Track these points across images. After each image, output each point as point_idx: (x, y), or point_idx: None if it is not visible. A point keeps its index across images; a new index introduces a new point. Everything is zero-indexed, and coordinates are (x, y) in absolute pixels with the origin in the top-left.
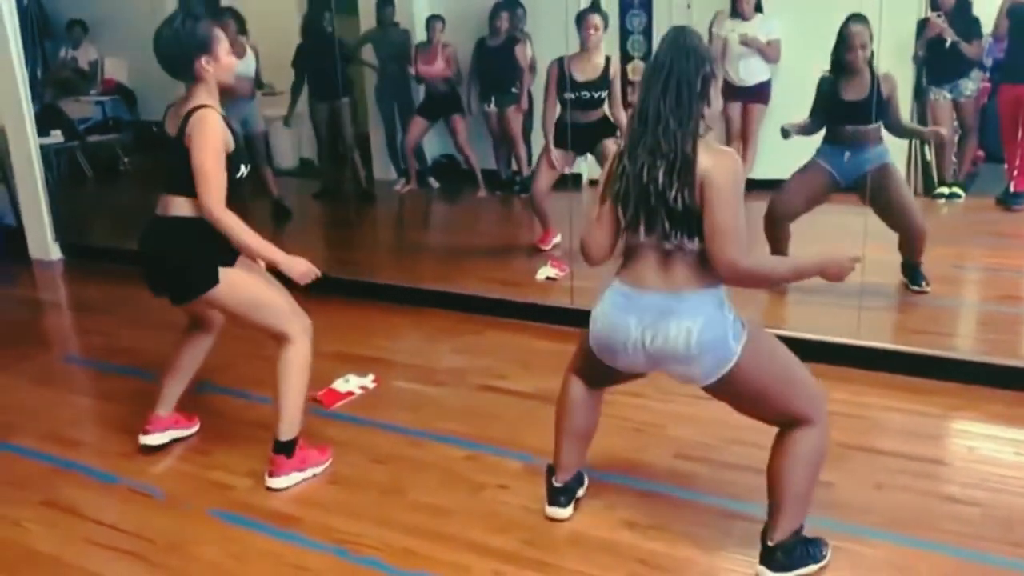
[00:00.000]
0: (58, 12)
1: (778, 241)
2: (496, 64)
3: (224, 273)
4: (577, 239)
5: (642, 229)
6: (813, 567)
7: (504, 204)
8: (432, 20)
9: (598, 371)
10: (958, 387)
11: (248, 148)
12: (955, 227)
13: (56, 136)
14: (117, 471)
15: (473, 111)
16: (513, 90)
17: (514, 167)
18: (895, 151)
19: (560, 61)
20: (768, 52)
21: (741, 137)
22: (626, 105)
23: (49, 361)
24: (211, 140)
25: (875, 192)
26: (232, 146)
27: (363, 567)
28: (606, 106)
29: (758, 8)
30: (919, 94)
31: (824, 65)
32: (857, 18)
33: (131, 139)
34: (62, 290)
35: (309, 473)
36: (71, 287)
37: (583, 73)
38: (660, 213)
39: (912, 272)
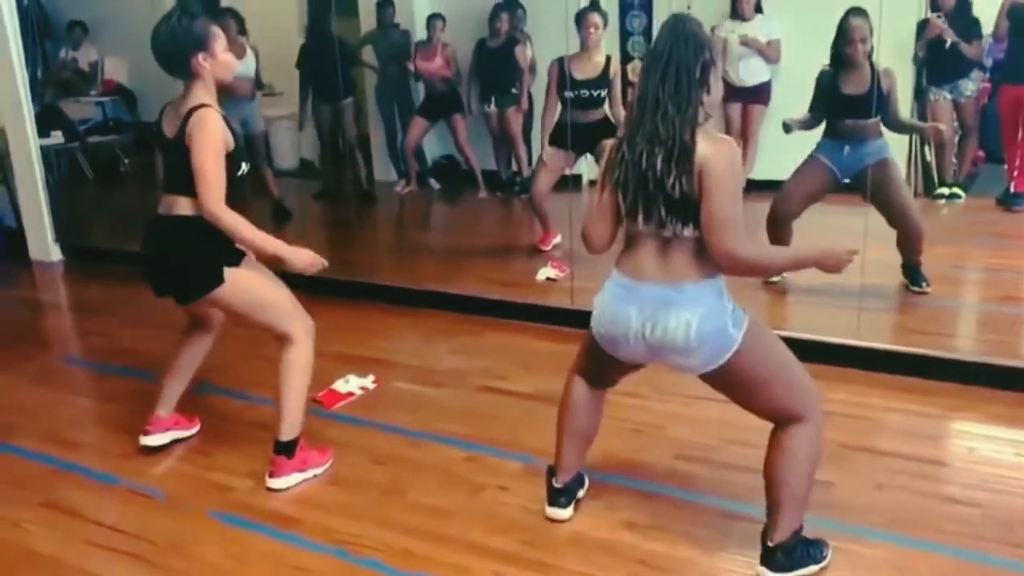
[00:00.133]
0: (58, 13)
1: (780, 241)
2: (496, 65)
3: (229, 272)
4: (577, 240)
5: (640, 217)
6: (814, 567)
7: (504, 205)
8: (432, 19)
9: (600, 364)
10: (958, 388)
11: (248, 149)
12: (955, 227)
13: (56, 137)
14: (117, 472)
15: (473, 112)
16: (513, 91)
17: (514, 168)
18: (895, 151)
19: (560, 60)
20: (768, 52)
21: (741, 137)
22: (626, 105)
23: (49, 362)
24: (211, 139)
25: (875, 188)
26: (232, 145)
27: (363, 568)
28: (607, 106)
29: (758, 9)
30: (919, 94)
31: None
32: (857, 12)
33: (131, 140)
34: (62, 291)
35: (310, 474)
36: (71, 288)
37: (583, 72)
38: (658, 200)
39: (912, 273)
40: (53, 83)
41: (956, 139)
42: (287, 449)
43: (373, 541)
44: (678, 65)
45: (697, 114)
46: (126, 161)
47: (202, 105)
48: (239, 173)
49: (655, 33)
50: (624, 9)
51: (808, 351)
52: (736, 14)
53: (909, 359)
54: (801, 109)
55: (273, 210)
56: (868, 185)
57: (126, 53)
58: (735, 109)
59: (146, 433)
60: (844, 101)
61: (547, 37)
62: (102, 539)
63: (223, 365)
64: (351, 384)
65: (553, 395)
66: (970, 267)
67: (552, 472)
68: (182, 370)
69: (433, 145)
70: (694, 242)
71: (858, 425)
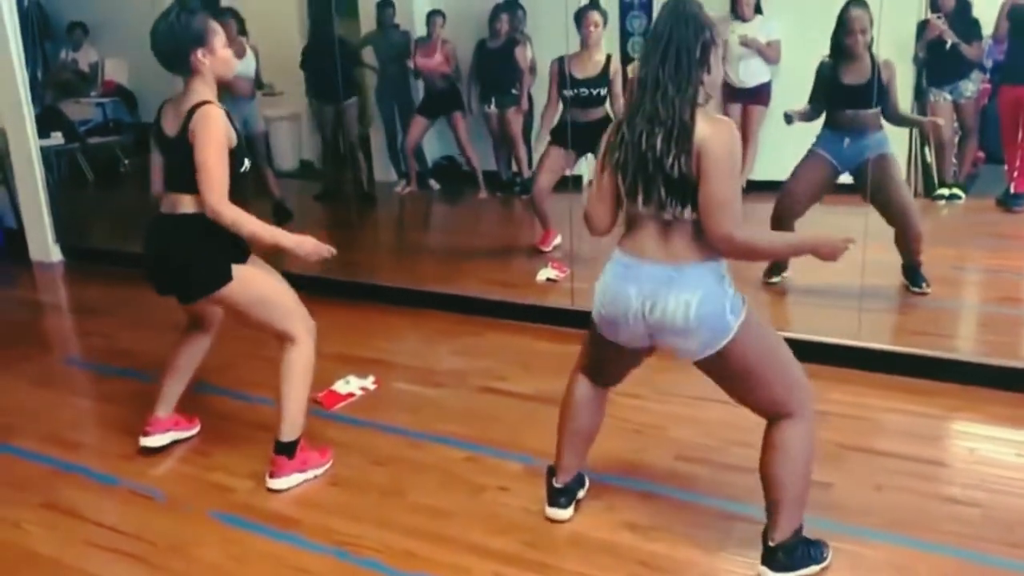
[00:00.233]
0: (58, 14)
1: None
2: (496, 66)
3: (237, 270)
4: (577, 241)
5: (640, 198)
6: (815, 568)
7: (504, 206)
8: (432, 15)
9: (602, 354)
10: (958, 388)
11: (248, 149)
12: (955, 228)
13: (56, 138)
14: (117, 473)
15: (473, 112)
16: (513, 91)
17: (514, 168)
18: (895, 152)
19: (560, 60)
20: (768, 53)
21: (742, 138)
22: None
23: (49, 363)
24: (214, 135)
25: (875, 185)
26: (234, 141)
27: (363, 569)
28: (608, 105)
29: (758, 10)
30: (919, 95)
31: None
32: (857, 2)
33: (131, 141)
34: (62, 292)
35: (310, 475)
36: (71, 289)
37: (583, 71)
38: (657, 181)
39: (913, 274)
40: (53, 84)
41: (956, 140)
42: (288, 450)
43: (373, 542)
44: (678, 45)
45: (697, 94)
46: (126, 162)
47: (204, 102)
48: (242, 170)
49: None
50: (624, 10)
51: (808, 351)
52: (736, 15)
53: (909, 360)
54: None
55: (274, 210)
56: (868, 181)
57: (126, 54)
58: (735, 110)
59: (146, 434)
60: (844, 91)
61: (547, 38)
62: (102, 540)
63: (223, 365)
64: (351, 385)
65: (553, 396)
66: (970, 268)
67: (552, 472)
68: (181, 370)
69: (433, 146)
70: (694, 224)
71: (858, 426)
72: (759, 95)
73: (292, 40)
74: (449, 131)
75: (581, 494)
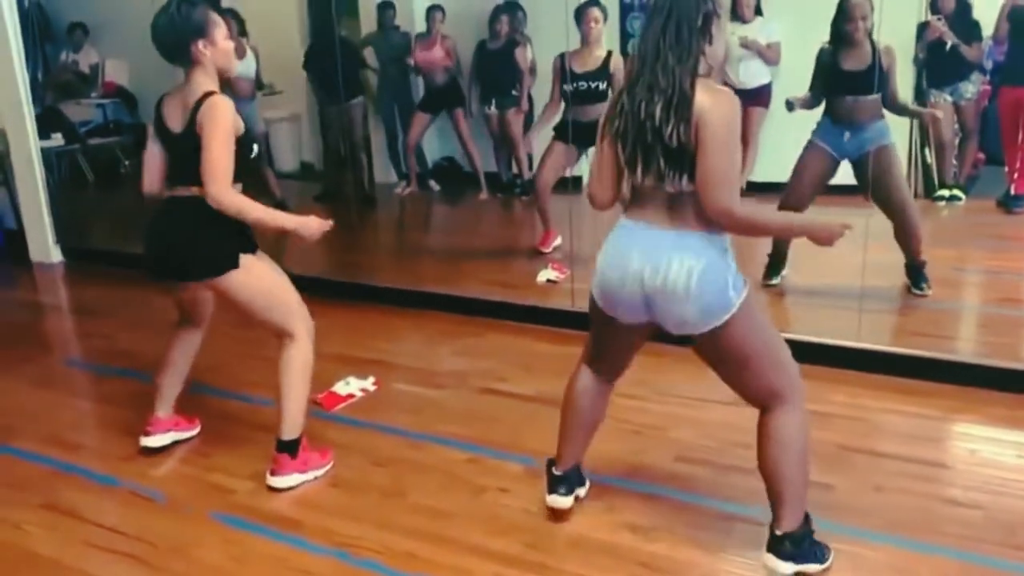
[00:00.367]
0: (59, 15)
1: (785, 240)
2: (496, 67)
3: (244, 259)
4: (578, 242)
5: (640, 169)
6: (817, 567)
7: (505, 207)
8: (432, 10)
9: (601, 335)
10: (959, 390)
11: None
12: (956, 230)
13: (57, 139)
14: (118, 474)
15: (474, 114)
16: (513, 93)
17: (515, 170)
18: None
19: (562, 56)
20: (768, 55)
21: (741, 140)
22: None
23: (50, 364)
24: (222, 126)
25: (876, 180)
26: (242, 129)
27: (364, 570)
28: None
29: (758, 11)
30: (919, 97)
31: None
32: None
33: (132, 142)
34: (63, 293)
35: (310, 475)
36: (72, 290)
37: (583, 65)
38: (656, 151)
39: (916, 274)
40: (54, 85)
41: (956, 141)
42: (289, 448)
43: (374, 543)
44: (679, 15)
45: (698, 64)
46: (127, 163)
47: (211, 92)
48: (253, 155)
49: None
50: (624, 11)
51: (808, 353)
52: (736, 16)
53: (909, 361)
54: (802, 111)
55: None
56: (869, 174)
57: (127, 55)
58: None
59: (147, 434)
60: (844, 77)
61: (547, 39)
62: (102, 541)
63: (223, 366)
64: (351, 386)
65: (554, 397)
66: (970, 269)
67: (552, 463)
68: (176, 365)
69: (433, 147)
70: (696, 197)
71: (858, 427)
72: (759, 96)
73: (292, 41)
74: (449, 131)
75: (581, 493)
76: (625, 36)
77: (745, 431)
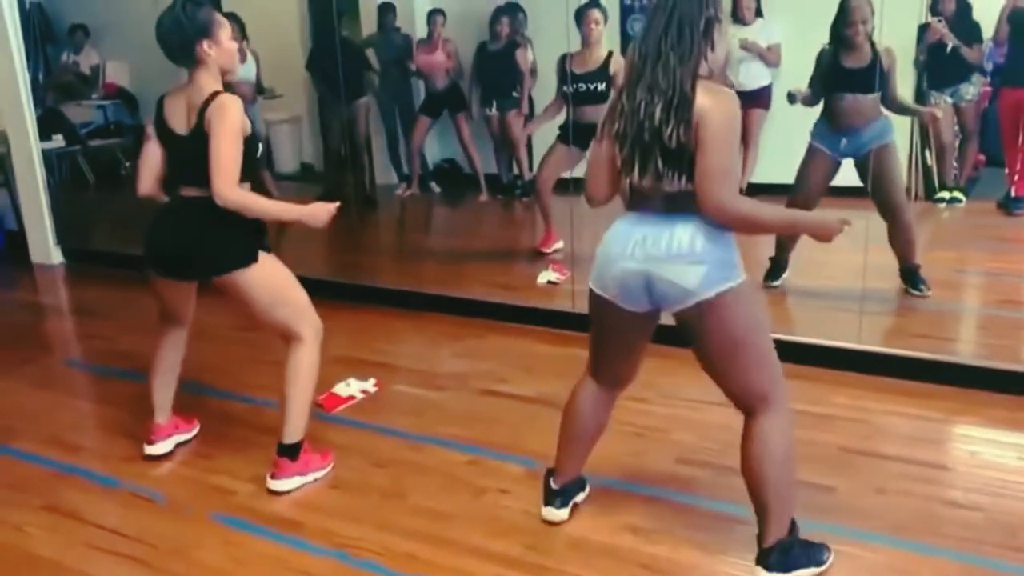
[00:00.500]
0: (60, 16)
1: (789, 240)
2: (497, 68)
3: (262, 257)
4: (579, 243)
5: (637, 169)
6: (813, 570)
7: (505, 208)
8: (433, 14)
9: (602, 330)
10: (959, 391)
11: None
12: (956, 231)
13: (58, 140)
14: (118, 475)
15: (474, 116)
16: (514, 94)
17: (515, 171)
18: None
19: (563, 57)
20: (769, 57)
21: (742, 142)
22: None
23: (50, 365)
24: (232, 125)
25: (874, 178)
26: (249, 129)
27: (364, 571)
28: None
29: (759, 13)
30: (920, 98)
31: None
32: None
33: (133, 143)
34: (63, 294)
35: (311, 477)
36: (72, 291)
37: (583, 66)
38: (654, 151)
39: (911, 277)
40: (55, 86)
41: (957, 143)
42: (291, 451)
43: (374, 545)
44: (681, 16)
45: (699, 65)
46: (127, 164)
47: (218, 92)
48: (259, 154)
49: None
50: (625, 13)
51: (809, 355)
52: (737, 18)
53: (910, 363)
54: (802, 112)
55: None
56: (871, 173)
57: (128, 57)
58: None
59: (150, 442)
60: (844, 74)
61: (548, 40)
62: (103, 543)
63: (225, 368)
64: (352, 387)
65: (555, 398)
66: (971, 271)
67: (551, 473)
68: (166, 363)
69: (434, 148)
70: (695, 196)
71: (859, 429)
72: (760, 98)
73: (293, 43)
74: (450, 133)
75: (580, 498)
76: (625, 38)
77: None
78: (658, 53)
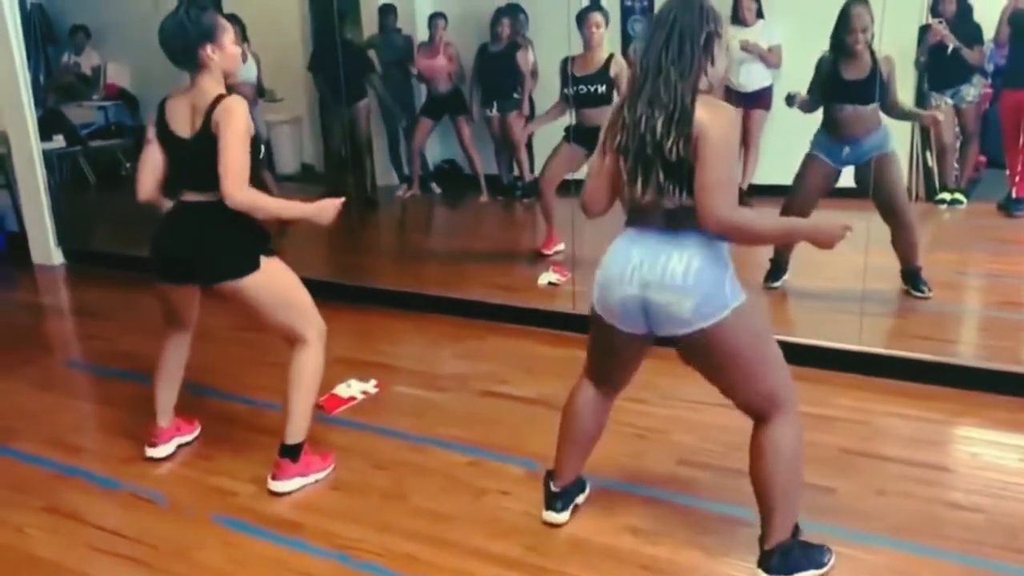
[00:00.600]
0: (61, 17)
1: (787, 246)
2: (498, 70)
3: (264, 262)
4: (579, 244)
5: (640, 183)
6: (814, 572)
7: (506, 209)
8: (434, 18)
9: (601, 345)
10: (960, 393)
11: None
12: (957, 233)
13: (58, 141)
14: (119, 476)
15: (475, 117)
16: (515, 95)
17: (515, 172)
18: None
19: (565, 60)
20: (769, 58)
21: (743, 143)
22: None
23: (51, 366)
24: (239, 127)
25: (875, 184)
26: (253, 130)
27: (365, 573)
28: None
29: (759, 14)
30: (921, 100)
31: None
32: (858, 1)
33: (133, 144)
34: (64, 295)
35: (312, 479)
36: (73, 292)
37: (584, 68)
38: (656, 165)
39: (912, 279)
40: (55, 87)
41: (957, 145)
42: (292, 452)
43: (374, 546)
44: (682, 31)
45: (699, 80)
46: (128, 165)
47: (223, 95)
48: (261, 156)
49: None
50: (625, 14)
51: (809, 356)
52: (737, 19)
53: (911, 364)
54: (802, 114)
55: None
56: (871, 179)
57: (129, 58)
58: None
59: (152, 445)
60: (844, 86)
61: (549, 42)
62: (104, 544)
63: (227, 369)
64: (353, 388)
65: (555, 399)
66: (972, 272)
67: (550, 476)
68: (170, 365)
69: (434, 149)
70: (696, 211)
71: (860, 430)
72: (760, 99)
73: (294, 45)
74: (450, 134)
75: (580, 500)
76: (626, 38)
77: (747, 435)
78: (659, 67)
